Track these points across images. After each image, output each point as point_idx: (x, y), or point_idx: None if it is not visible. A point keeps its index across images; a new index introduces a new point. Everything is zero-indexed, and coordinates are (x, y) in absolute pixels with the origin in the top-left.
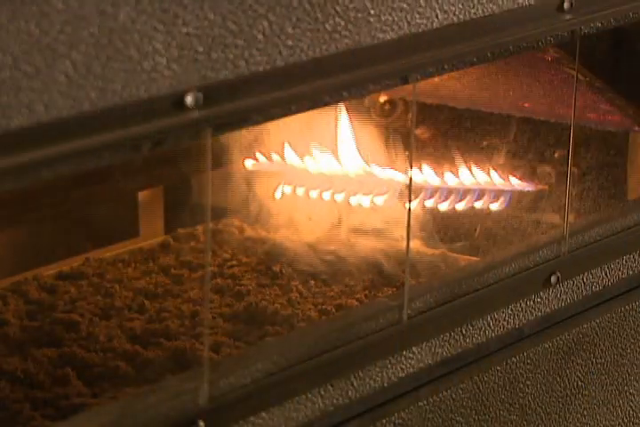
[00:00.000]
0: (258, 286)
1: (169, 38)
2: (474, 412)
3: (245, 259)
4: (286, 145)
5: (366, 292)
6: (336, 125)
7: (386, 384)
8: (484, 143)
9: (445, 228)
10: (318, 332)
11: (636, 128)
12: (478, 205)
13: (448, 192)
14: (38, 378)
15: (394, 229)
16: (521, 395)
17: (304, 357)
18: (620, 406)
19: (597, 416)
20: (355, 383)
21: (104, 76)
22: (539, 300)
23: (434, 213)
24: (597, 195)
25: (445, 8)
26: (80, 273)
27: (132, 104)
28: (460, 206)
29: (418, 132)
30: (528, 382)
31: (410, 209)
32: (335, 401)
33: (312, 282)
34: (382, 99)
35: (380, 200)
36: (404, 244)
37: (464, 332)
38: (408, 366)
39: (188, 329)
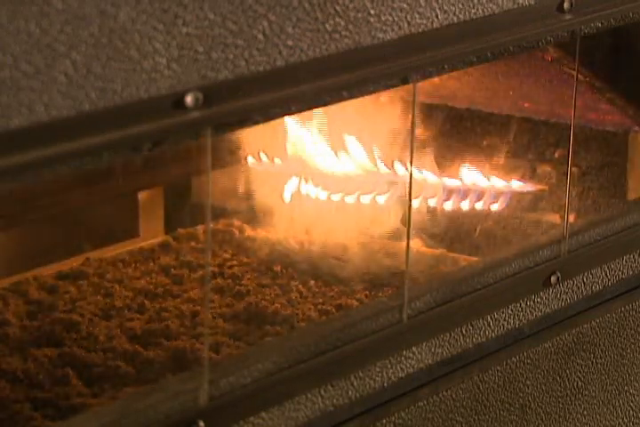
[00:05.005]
0: (258, 286)
1: (169, 38)
2: (474, 412)
3: (245, 259)
4: (286, 145)
5: (366, 292)
6: (336, 125)
7: (386, 384)
8: (484, 143)
9: (445, 228)
10: (318, 332)
11: (636, 128)
12: (478, 205)
13: (448, 192)
14: (38, 378)
15: (394, 229)
16: (521, 395)
17: (304, 357)
18: (620, 406)
19: (597, 416)
20: (355, 383)
21: (104, 76)
22: (539, 300)
23: (434, 213)
24: (597, 195)
25: (445, 8)
26: (80, 273)
27: (131, 104)
28: (460, 206)
29: (418, 132)
30: (528, 382)
31: (410, 209)
32: (335, 401)
33: (312, 282)
34: (382, 99)
35: (380, 200)
36: (405, 244)
37: (464, 332)
38: (408, 366)
39: (188, 329)
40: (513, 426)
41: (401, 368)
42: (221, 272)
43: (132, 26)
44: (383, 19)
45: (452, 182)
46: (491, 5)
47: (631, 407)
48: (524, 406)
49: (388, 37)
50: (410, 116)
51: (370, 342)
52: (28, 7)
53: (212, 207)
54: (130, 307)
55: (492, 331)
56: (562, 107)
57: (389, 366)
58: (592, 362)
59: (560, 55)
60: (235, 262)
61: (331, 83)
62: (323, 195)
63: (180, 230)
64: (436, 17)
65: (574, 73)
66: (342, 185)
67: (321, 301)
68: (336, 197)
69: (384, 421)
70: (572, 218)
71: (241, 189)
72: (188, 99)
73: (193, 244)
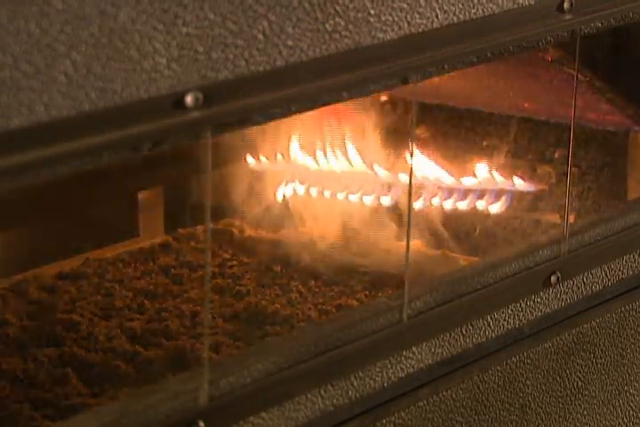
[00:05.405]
0: (258, 286)
1: (169, 38)
2: (474, 412)
3: (245, 259)
4: (287, 144)
5: (366, 292)
6: (336, 125)
7: (386, 384)
8: (484, 143)
9: (445, 228)
10: (318, 332)
11: (636, 128)
12: (479, 205)
13: (448, 192)
14: (38, 378)
15: (394, 229)
16: (521, 395)
17: (304, 357)
18: (620, 406)
19: (597, 416)
20: (355, 383)
21: (104, 76)
22: (539, 300)
23: (434, 213)
24: (597, 195)
25: (445, 8)
26: (80, 273)
27: (131, 104)
28: (461, 206)
29: (418, 132)
30: (528, 382)
31: (410, 209)
32: (335, 401)
33: (312, 282)
34: (382, 99)
35: (380, 200)
36: (405, 243)
37: (464, 332)
38: (408, 366)
39: (188, 329)
40: (513, 426)
41: (401, 368)
42: (221, 272)
43: (132, 26)
44: (383, 19)
45: (452, 182)
46: (491, 5)
47: (631, 407)
48: (524, 406)
49: (388, 37)
50: (410, 115)
51: (370, 342)
52: (28, 7)
53: (212, 207)
54: (130, 307)
55: (492, 331)
56: (562, 107)
57: (389, 366)
58: (592, 362)
59: (560, 55)
60: (235, 262)
61: (331, 83)
62: (322, 194)
63: (180, 230)
64: (436, 17)
65: (574, 73)
66: (342, 185)
67: (321, 301)
68: (333, 196)
69: (384, 421)
70: (572, 218)
71: (240, 189)
72: (188, 99)
73: (193, 244)
